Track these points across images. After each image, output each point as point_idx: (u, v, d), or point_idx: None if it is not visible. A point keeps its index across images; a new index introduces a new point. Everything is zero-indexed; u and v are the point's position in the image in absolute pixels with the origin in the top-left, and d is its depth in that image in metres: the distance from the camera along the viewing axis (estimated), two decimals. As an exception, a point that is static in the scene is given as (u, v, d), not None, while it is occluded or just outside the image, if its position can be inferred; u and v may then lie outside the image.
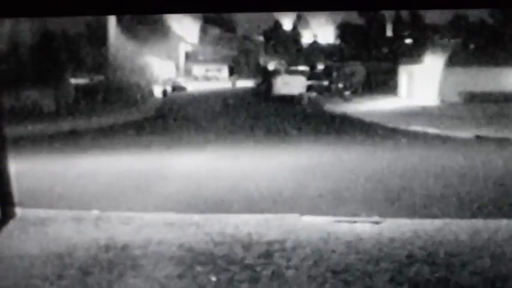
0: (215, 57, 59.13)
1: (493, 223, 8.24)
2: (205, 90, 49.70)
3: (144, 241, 7.46)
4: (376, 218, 8.60)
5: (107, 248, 7.22)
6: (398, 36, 57.49)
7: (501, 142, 18.35)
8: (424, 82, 40.19)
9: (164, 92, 44.94)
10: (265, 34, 63.12)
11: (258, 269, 6.43)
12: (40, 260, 6.80)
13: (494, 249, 7.02)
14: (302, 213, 8.92)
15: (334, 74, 49.01)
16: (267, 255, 6.90)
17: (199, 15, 55.31)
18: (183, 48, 57.36)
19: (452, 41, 45.03)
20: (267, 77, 48.32)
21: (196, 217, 8.75)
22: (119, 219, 8.66)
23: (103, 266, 6.59)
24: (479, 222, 8.32)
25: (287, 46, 60.75)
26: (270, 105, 37.40)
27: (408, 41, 55.49)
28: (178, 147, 18.68)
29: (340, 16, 58.64)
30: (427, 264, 6.52)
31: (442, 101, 37.19)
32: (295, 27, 63.27)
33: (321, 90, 44.06)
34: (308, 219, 8.62)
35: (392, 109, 32.68)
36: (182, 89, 50.29)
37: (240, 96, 43.47)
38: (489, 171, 13.05)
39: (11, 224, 8.41)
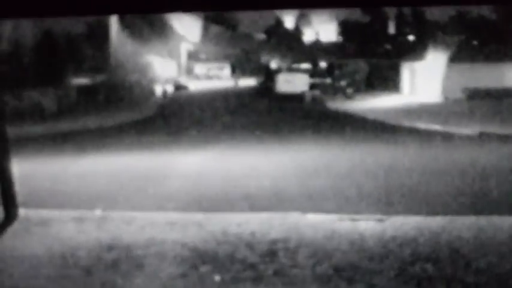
0: (217, 55, 59.10)
1: (497, 220, 8.21)
2: (207, 89, 49.71)
3: (147, 241, 7.45)
4: (379, 216, 8.57)
5: (110, 247, 7.20)
6: (400, 33, 57.37)
7: (505, 139, 18.30)
8: (427, 79, 40.12)
9: (164, 93, 44.45)
10: (267, 32, 63.04)
11: (262, 267, 6.41)
12: (43, 260, 6.79)
13: (499, 246, 6.98)
14: (305, 212, 8.90)
15: (337, 71, 48.94)
16: (270, 253, 6.88)
17: (201, 13, 55.25)
18: (184, 47, 57.34)
19: (455, 37, 44.85)
20: (269, 75, 48.28)
21: (199, 216, 8.73)
22: (121, 219, 8.65)
23: (106, 265, 6.58)
24: (483, 219, 8.27)
25: (289, 44, 60.64)
26: (273, 103, 37.38)
27: (410, 37, 55.38)
28: (180, 146, 18.68)
29: (342, 13, 58.51)
30: (431, 261, 6.49)
31: (446, 97, 37.12)
32: (297, 25, 63.17)
33: (323, 88, 43.99)
34: (311, 217, 8.60)
35: (395, 106, 32.67)
36: (184, 88, 50.21)
37: (242, 95, 43.48)
38: (493, 168, 13.01)
39: (14, 225, 8.40)
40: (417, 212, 9.07)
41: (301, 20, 62.74)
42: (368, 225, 8.01)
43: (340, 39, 60.28)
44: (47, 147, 18.85)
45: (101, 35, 39.79)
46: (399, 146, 17.57)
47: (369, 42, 54.41)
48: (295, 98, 39.27)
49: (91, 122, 26.81)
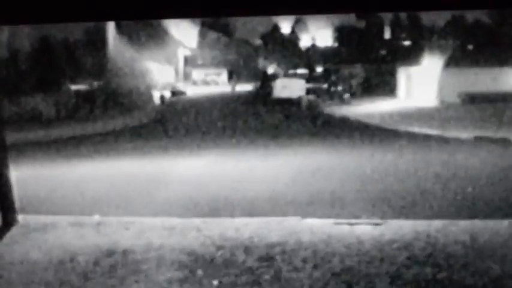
0: (214, 61, 59.23)
1: (493, 224, 8.25)
2: (205, 94, 49.74)
3: (145, 246, 7.48)
4: (376, 220, 8.61)
5: (108, 253, 7.23)
6: (396, 38, 57.57)
7: (500, 142, 18.37)
8: (422, 83, 40.24)
9: (162, 98, 44.42)
10: (263, 38, 63.19)
11: (259, 272, 6.45)
12: (42, 265, 6.82)
13: (495, 250, 7.02)
14: (303, 216, 8.93)
15: (333, 76, 49.09)
16: (268, 258, 6.91)
17: (198, 19, 55.36)
18: (182, 53, 57.43)
19: (450, 42, 45.05)
20: (266, 81, 48.38)
21: (197, 221, 8.76)
22: (120, 224, 8.67)
23: (104, 271, 6.60)
24: (479, 223, 8.32)
25: (286, 49, 60.77)
26: (270, 108, 37.42)
27: (406, 42, 55.57)
28: (178, 151, 18.70)
29: (338, 19, 58.72)
30: (428, 265, 6.53)
31: (441, 102, 37.22)
32: (293, 31, 63.37)
33: (320, 93, 44.10)
34: (309, 221, 8.63)
35: (392, 111, 32.71)
36: (181, 93, 50.25)
37: (240, 100, 43.51)
38: (489, 171, 13.08)
39: (13, 231, 8.42)
40: (413, 215, 9.12)
41: (297, 25, 62.91)
42: (365, 229, 8.05)
43: (336, 44, 60.44)
44: (45, 152, 18.85)
45: (98, 41, 39.84)
46: (395, 150, 17.60)
47: (365, 47, 54.55)
48: (292, 103, 39.37)
49: (89, 127, 26.82)
